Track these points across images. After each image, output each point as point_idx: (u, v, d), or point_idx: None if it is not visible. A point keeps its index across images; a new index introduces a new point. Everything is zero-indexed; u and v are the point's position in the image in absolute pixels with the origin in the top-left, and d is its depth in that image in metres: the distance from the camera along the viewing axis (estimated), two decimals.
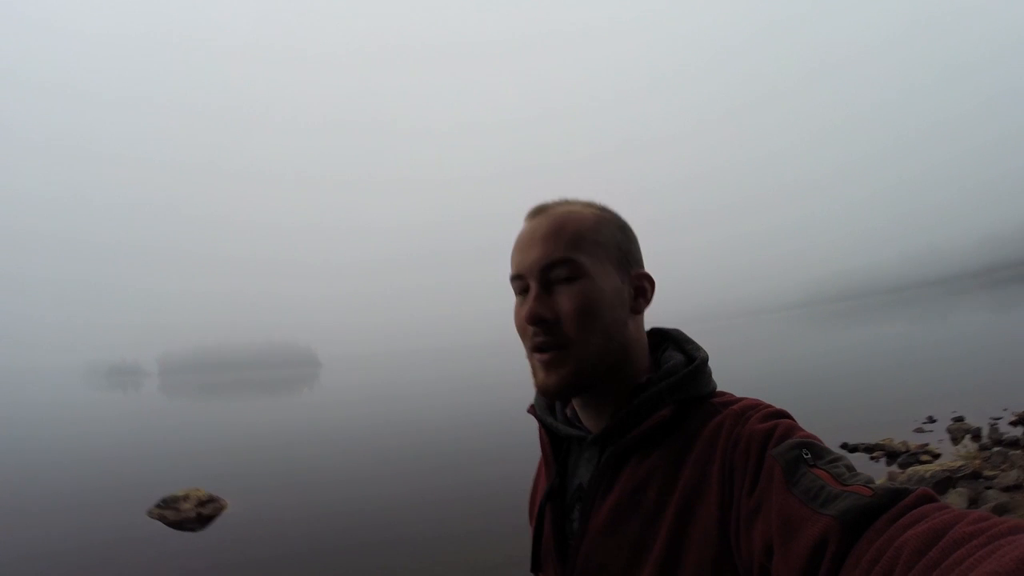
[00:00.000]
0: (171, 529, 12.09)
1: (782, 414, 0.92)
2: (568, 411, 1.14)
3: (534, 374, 1.04)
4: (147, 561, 10.10)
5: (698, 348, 1.07)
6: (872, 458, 11.12)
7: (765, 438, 0.86)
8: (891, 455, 11.07)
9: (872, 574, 0.64)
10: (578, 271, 0.99)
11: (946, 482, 8.19)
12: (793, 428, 0.87)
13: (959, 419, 12.73)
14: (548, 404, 1.16)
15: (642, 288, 1.07)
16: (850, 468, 0.79)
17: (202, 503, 13.13)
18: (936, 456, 10.49)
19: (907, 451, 10.97)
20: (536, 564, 1.11)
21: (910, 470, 9.16)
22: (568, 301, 0.99)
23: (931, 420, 13.40)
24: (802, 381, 23.85)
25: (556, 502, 1.08)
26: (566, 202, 1.08)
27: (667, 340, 1.12)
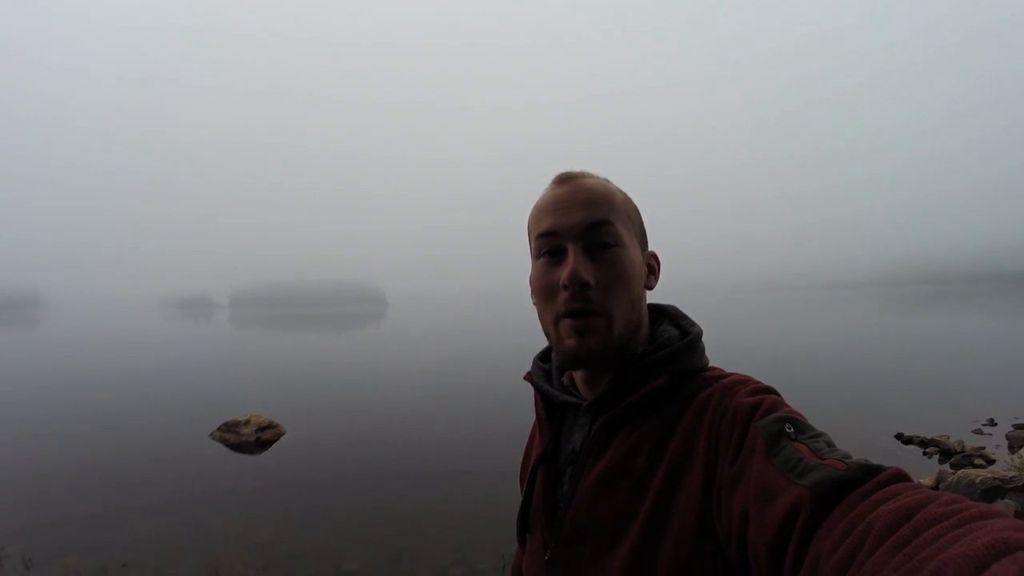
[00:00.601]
0: (231, 451, 12.59)
1: (769, 390, 0.94)
2: (565, 379, 1.18)
3: (560, 340, 1.05)
4: (205, 479, 10.47)
5: (692, 324, 1.11)
6: (925, 453, 10.75)
7: (751, 411, 0.88)
8: (945, 453, 10.69)
9: (843, 546, 0.65)
10: (616, 238, 1.03)
11: (995, 491, 7.71)
12: (779, 403, 0.89)
13: (1021, 426, 12.17)
14: (545, 371, 1.20)
15: (652, 266, 1.13)
16: (830, 444, 0.80)
17: (262, 428, 13.56)
18: (990, 462, 10.06)
19: (961, 452, 10.56)
20: (525, 525, 1.15)
21: (960, 472, 8.76)
22: (606, 268, 1.02)
23: (991, 423, 12.80)
24: (868, 363, 23.07)
25: (549, 466, 1.12)
26: (589, 175, 1.09)
27: (663, 316, 1.15)
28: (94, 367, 29.43)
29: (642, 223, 1.12)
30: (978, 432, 12.24)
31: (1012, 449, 10.85)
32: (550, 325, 1.06)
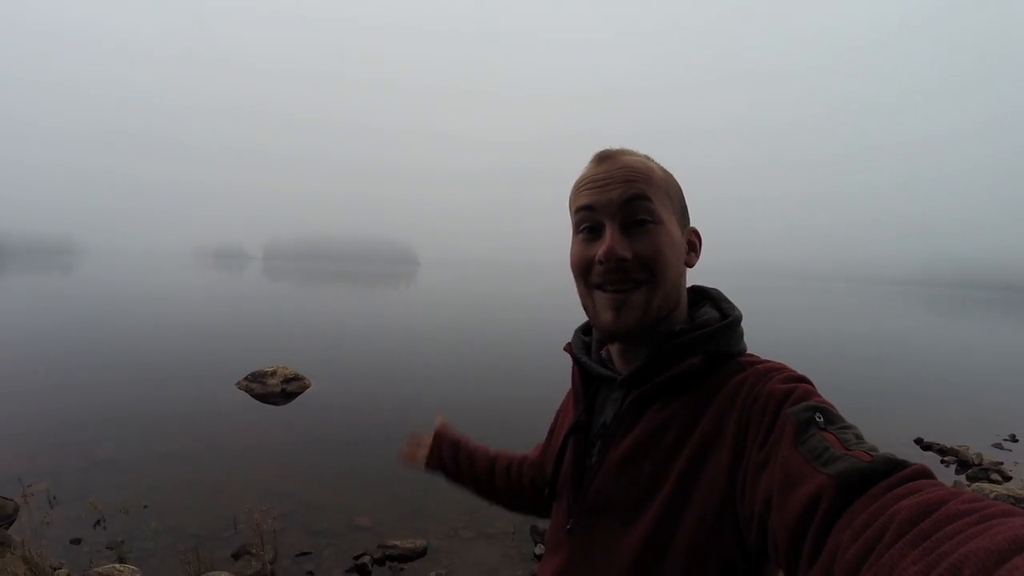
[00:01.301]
0: (256, 401, 12.85)
1: (803, 379, 0.94)
2: (603, 352, 1.20)
3: (597, 314, 1.07)
4: (230, 427, 10.72)
5: (733, 307, 1.11)
6: (943, 462, 10.62)
7: (783, 397, 0.88)
8: (962, 464, 10.57)
9: (862, 537, 0.65)
10: (653, 215, 1.04)
11: None
12: (811, 393, 0.89)
13: None
14: (585, 344, 1.24)
15: (693, 243, 1.13)
16: (858, 436, 0.80)
17: (287, 380, 13.81)
18: (1007, 478, 9.91)
19: (979, 464, 10.42)
20: (553, 492, 1.19)
21: (976, 485, 8.63)
22: (644, 244, 1.03)
23: (1013, 439, 12.52)
24: (898, 363, 22.70)
25: (580, 437, 1.15)
26: (629, 152, 1.09)
27: (706, 298, 1.17)
28: (125, 313, 30.03)
29: (682, 200, 1.12)
30: (998, 447, 12.02)
31: None
32: (587, 298, 1.09)
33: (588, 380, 1.19)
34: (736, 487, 0.87)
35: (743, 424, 0.90)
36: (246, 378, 13.94)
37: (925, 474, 0.72)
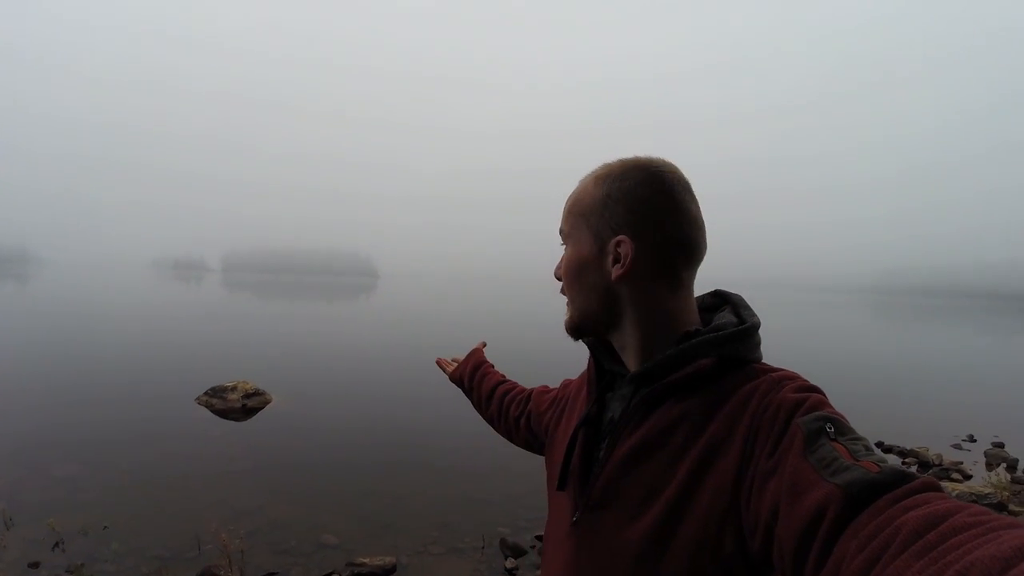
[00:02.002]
0: (216, 417, 12.55)
1: (815, 389, 0.94)
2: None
3: None
4: (190, 444, 10.46)
5: (752, 314, 1.12)
6: (904, 463, 10.90)
7: (795, 406, 0.89)
8: (923, 465, 10.93)
9: (868, 548, 0.66)
10: (564, 239, 1.19)
11: None
12: (823, 403, 0.90)
13: (999, 445, 12.35)
14: (603, 342, 1.25)
15: (617, 255, 1.11)
16: (868, 448, 0.81)
17: (248, 395, 13.56)
18: (967, 477, 10.32)
19: (939, 465, 10.80)
20: (562, 483, 1.19)
21: None
22: (559, 266, 1.20)
23: (971, 439, 13.00)
24: (856, 369, 23.15)
25: (590, 430, 1.18)
26: (594, 171, 1.17)
27: (727, 304, 1.17)
28: (83, 325, 29.22)
29: (607, 210, 1.10)
30: (957, 447, 12.41)
31: (990, 466, 11.09)
32: None
33: (601, 373, 1.22)
34: (742, 493, 0.88)
35: (753, 431, 0.91)
36: (206, 393, 13.65)
37: (933, 487, 0.72)
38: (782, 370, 1.01)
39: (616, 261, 1.10)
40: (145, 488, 8.25)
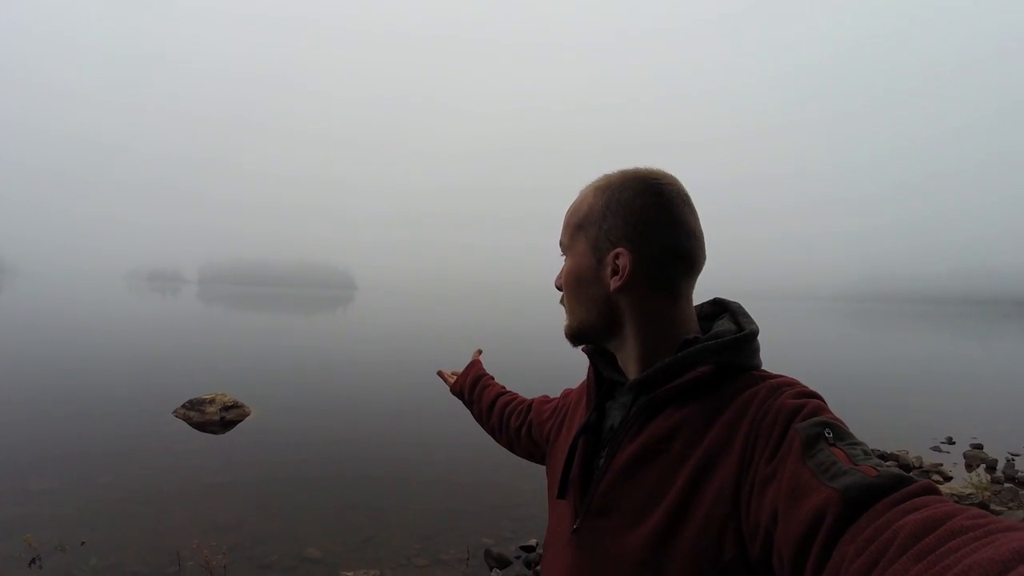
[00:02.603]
0: (194, 430, 12.39)
1: (814, 395, 0.95)
2: (619, 359, 1.23)
3: None
4: (168, 457, 10.32)
5: (751, 321, 1.12)
6: None
7: (793, 412, 0.89)
8: (903, 468, 11.00)
9: (867, 551, 0.66)
10: (565, 250, 1.21)
11: None
12: (821, 408, 0.91)
13: (978, 446, 12.56)
14: (602, 349, 1.25)
15: (615, 267, 1.12)
16: (867, 452, 0.82)
17: (227, 408, 13.40)
18: (947, 479, 10.50)
19: (920, 467, 10.99)
20: (562, 491, 1.19)
21: None
22: (559, 277, 1.22)
23: (950, 441, 13.21)
24: (833, 376, 23.26)
25: (590, 438, 1.18)
26: (594, 182, 1.18)
27: (726, 311, 1.18)
28: (57, 337, 28.74)
29: (606, 221, 1.13)
30: (936, 449, 12.58)
31: (969, 467, 11.27)
32: None
33: (601, 381, 1.23)
34: (742, 499, 0.88)
35: (752, 437, 0.91)
36: (183, 406, 13.46)
37: (931, 490, 0.73)
38: (781, 376, 1.02)
39: (615, 273, 1.12)
40: (123, 503, 8.11)
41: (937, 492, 0.73)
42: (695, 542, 0.90)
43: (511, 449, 1.80)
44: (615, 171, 1.16)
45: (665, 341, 1.10)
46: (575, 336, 1.20)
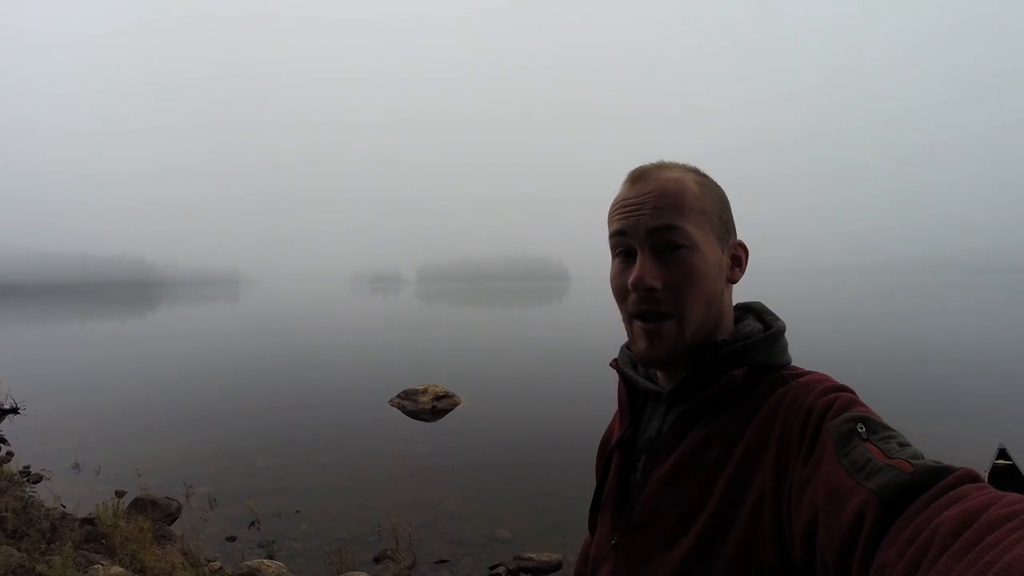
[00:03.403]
0: (407, 417, 13.48)
1: (845, 389, 0.94)
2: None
3: (634, 341, 1.09)
4: (381, 442, 11.33)
5: (776, 319, 1.11)
6: None
7: (824, 410, 0.88)
8: None
9: (908, 554, 0.66)
10: (685, 239, 1.03)
11: None
12: (853, 402, 0.89)
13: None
14: (631, 359, 1.22)
15: (738, 258, 1.12)
16: (902, 444, 0.80)
17: (438, 398, 14.36)
18: None
19: None
20: (596, 506, 1.20)
21: None
22: (674, 271, 1.03)
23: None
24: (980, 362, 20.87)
25: (625, 451, 1.16)
26: (666, 166, 1.09)
27: (748, 312, 1.16)
28: (287, 336, 32.30)
29: (725, 213, 1.10)
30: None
31: None
32: (626, 323, 1.10)
33: (634, 394, 1.20)
34: (781, 504, 0.87)
35: (785, 440, 0.91)
36: (398, 395, 14.64)
37: (969, 478, 0.71)
38: (811, 373, 1.00)
39: (735, 264, 1.11)
40: (336, 480, 9.02)
41: (976, 479, 0.72)
42: (737, 552, 0.90)
43: None
44: (669, 161, 1.11)
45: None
46: (688, 346, 1.05)
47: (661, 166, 1.08)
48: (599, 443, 1.36)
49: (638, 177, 1.07)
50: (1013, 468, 7.40)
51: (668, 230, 1.02)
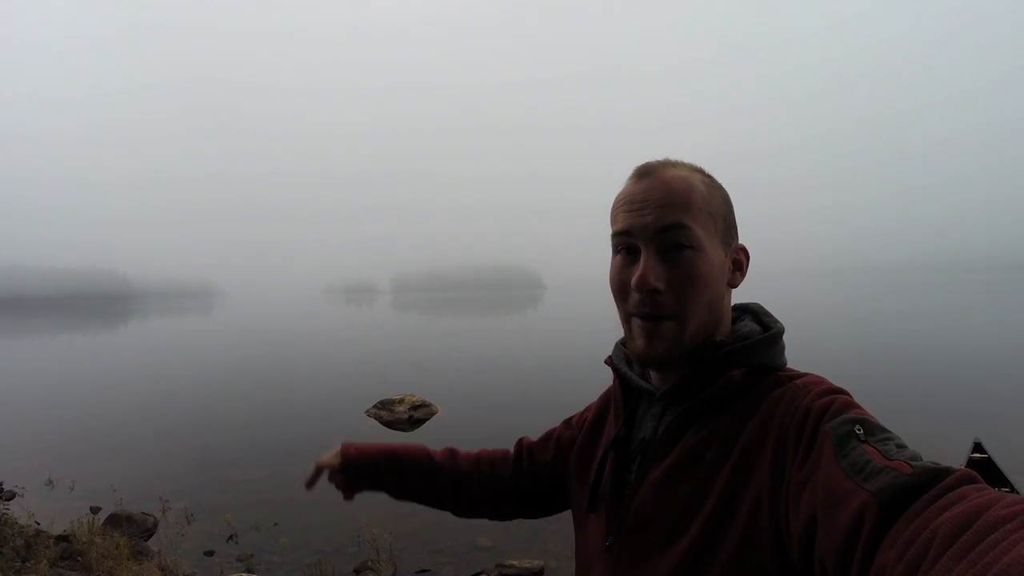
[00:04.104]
0: (384, 427, 13.41)
1: (841, 391, 0.94)
2: None
3: (631, 339, 1.08)
4: None
5: (775, 321, 1.11)
6: None
7: (821, 413, 0.89)
8: None
9: (907, 556, 0.66)
10: (691, 240, 1.01)
11: None
12: (850, 404, 0.90)
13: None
14: (626, 356, 1.22)
15: (739, 262, 1.11)
16: (900, 445, 0.81)
17: (415, 407, 14.32)
18: None
19: None
20: (592, 505, 1.18)
21: None
22: (679, 272, 1.01)
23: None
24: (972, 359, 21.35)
25: (619, 451, 1.15)
26: (673, 164, 1.08)
27: (746, 313, 1.16)
28: (261, 347, 32.06)
29: (728, 216, 1.09)
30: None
31: None
32: (623, 322, 1.10)
33: (628, 393, 1.18)
34: (778, 506, 0.88)
35: (782, 442, 0.91)
36: (375, 406, 14.59)
37: (968, 479, 0.71)
38: (807, 375, 1.00)
39: (736, 268, 1.11)
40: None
41: (976, 480, 0.72)
42: (734, 554, 0.90)
43: (518, 513, 1.51)
44: (675, 159, 1.10)
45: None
46: (686, 348, 1.04)
47: (667, 164, 1.07)
48: (571, 422, 1.39)
49: (644, 173, 1.06)
50: (989, 461, 7.53)
51: (675, 229, 1.01)
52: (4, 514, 6.53)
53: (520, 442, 1.52)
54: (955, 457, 7.82)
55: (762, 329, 1.08)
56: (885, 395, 14.09)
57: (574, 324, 46.60)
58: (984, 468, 7.58)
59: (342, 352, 29.25)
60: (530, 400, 16.01)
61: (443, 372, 21.48)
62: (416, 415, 14.07)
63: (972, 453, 7.84)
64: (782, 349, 1.07)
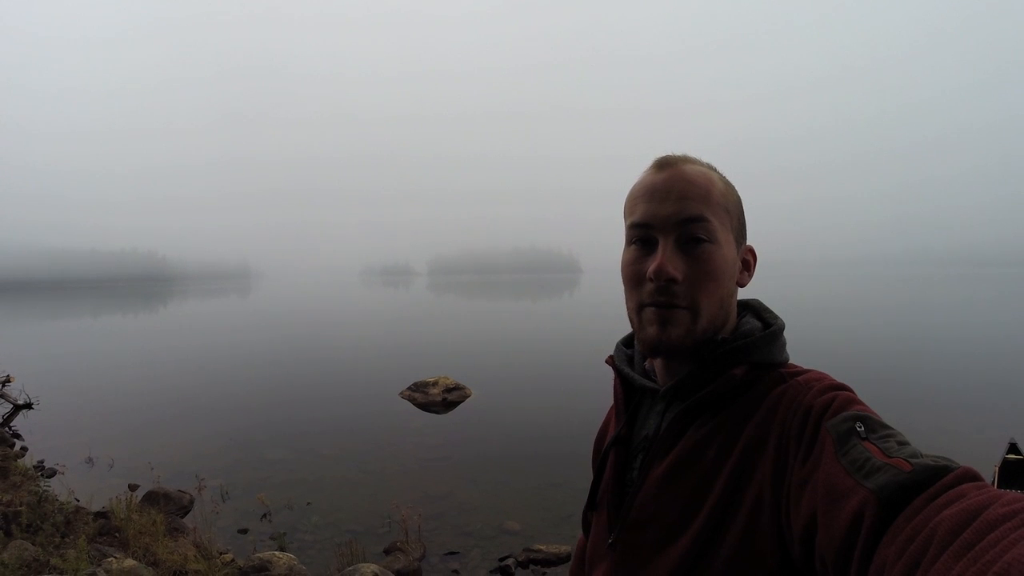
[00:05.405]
0: (418, 409, 13.55)
1: (843, 387, 0.95)
2: (647, 365, 1.19)
3: (642, 328, 1.06)
4: (392, 434, 11.39)
5: (775, 317, 1.11)
6: None
7: (823, 409, 0.88)
8: None
9: (907, 554, 0.66)
10: (709, 234, 1.02)
11: None
12: (851, 401, 0.89)
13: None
14: (627, 356, 1.23)
15: (747, 262, 1.12)
16: (901, 442, 0.80)
17: (449, 390, 14.43)
18: None
19: None
20: (592, 504, 1.19)
21: None
22: (695, 265, 1.01)
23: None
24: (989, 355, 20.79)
25: (621, 449, 1.15)
26: (691, 160, 1.09)
27: (747, 309, 1.16)
28: (298, 329, 32.55)
29: (741, 215, 1.11)
30: None
31: None
32: (634, 312, 1.07)
33: (630, 392, 1.18)
34: (780, 504, 0.87)
35: (784, 439, 0.91)
36: (409, 388, 14.73)
37: (968, 477, 0.71)
38: (809, 371, 1.00)
39: (745, 268, 1.11)
40: (347, 471, 9.11)
41: (976, 477, 0.72)
42: (736, 551, 0.90)
43: None
44: (690, 156, 1.11)
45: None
46: (698, 340, 1.03)
47: (686, 159, 1.08)
48: (594, 439, 1.36)
49: (664, 165, 1.06)
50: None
51: (696, 222, 1.01)
52: (45, 491, 6.73)
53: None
54: (991, 457, 7.79)
55: (763, 326, 1.08)
56: (910, 390, 13.95)
57: (610, 308, 46.46)
58: (1020, 469, 7.46)
59: (377, 334, 29.56)
60: (564, 385, 16.07)
61: (478, 355, 21.58)
62: (450, 398, 14.18)
63: (1008, 454, 7.72)
64: (783, 345, 1.07)
